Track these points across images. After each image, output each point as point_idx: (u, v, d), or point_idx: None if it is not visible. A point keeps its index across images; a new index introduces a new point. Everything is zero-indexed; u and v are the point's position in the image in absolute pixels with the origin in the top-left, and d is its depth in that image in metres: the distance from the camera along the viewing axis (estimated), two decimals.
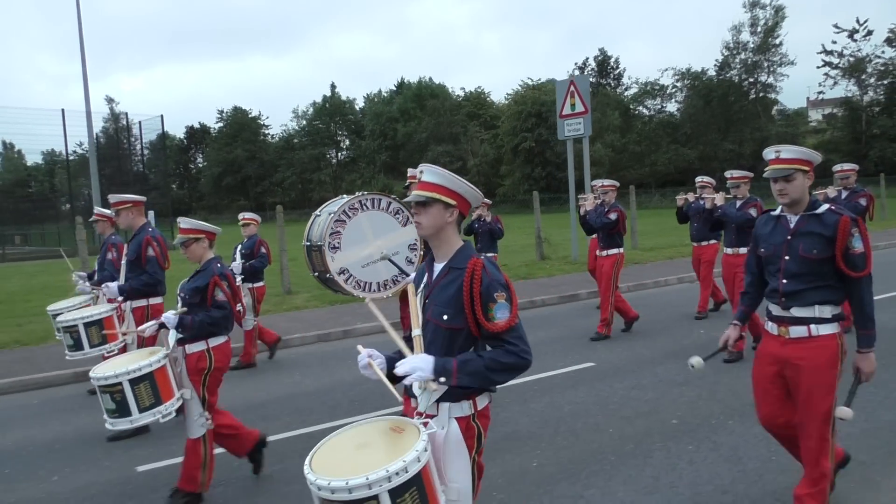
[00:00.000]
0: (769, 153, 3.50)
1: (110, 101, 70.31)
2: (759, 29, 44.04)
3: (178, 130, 77.73)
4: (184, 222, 4.55)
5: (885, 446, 4.56)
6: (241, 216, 8.50)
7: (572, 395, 6.18)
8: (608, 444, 4.97)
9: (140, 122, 43.78)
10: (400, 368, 2.37)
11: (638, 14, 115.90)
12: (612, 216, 8.34)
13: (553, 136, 48.16)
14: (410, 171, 5.39)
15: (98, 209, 6.96)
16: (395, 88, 68.13)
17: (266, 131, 71.97)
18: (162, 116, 38.84)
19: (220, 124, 71.55)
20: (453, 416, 2.49)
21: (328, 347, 9.01)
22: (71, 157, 71.65)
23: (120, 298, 5.84)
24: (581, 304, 11.16)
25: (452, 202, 2.57)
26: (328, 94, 68.98)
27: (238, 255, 8.23)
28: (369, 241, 5.42)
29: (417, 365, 2.38)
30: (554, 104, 50.13)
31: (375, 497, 2.07)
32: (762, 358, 3.58)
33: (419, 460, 2.15)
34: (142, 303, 5.93)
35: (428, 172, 2.61)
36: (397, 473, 2.09)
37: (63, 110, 36.46)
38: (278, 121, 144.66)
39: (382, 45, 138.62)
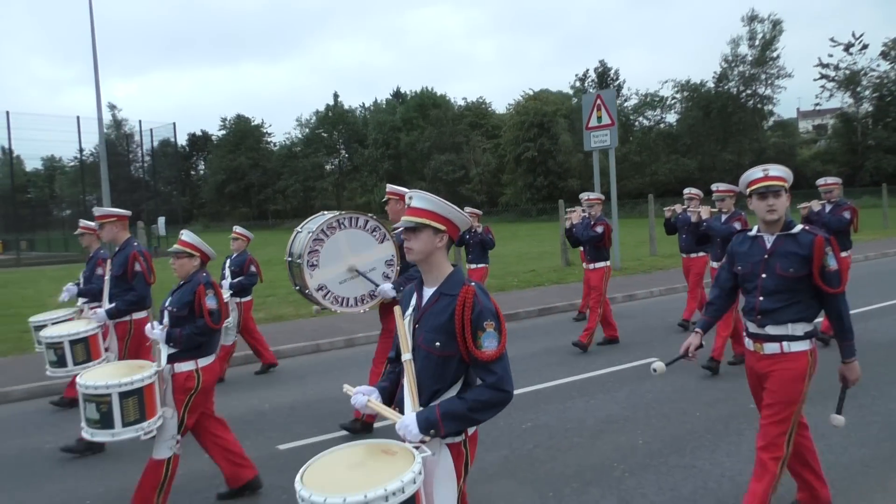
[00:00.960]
0: (756, 172, 3.68)
1: (112, 107, 70.58)
2: (756, 42, 45.02)
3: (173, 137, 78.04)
4: (185, 235, 4.55)
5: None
6: (234, 230, 8.50)
7: (649, 385, 6.79)
8: (700, 424, 5.57)
9: (151, 130, 44.03)
10: (396, 428, 2.50)
11: (632, 23, 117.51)
12: (599, 229, 8.45)
13: (555, 146, 49.16)
14: (389, 188, 5.84)
15: (83, 222, 6.84)
16: (391, 97, 69.30)
17: (269, 139, 72.47)
18: (174, 124, 39.16)
19: (223, 132, 71.99)
20: (445, 442, 2.52)
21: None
22: (72, 164, 71.98)
23: (109, 322, 5.86)
24: (626, 306, 11.78)
25: (442, 227, 2.62)
26: (331, 102, 69.86)
27: (227, 272, 8.25)
28: (347, 258, 5.56)
29: (404, 424, 2.46)
30: (555, 114, 50.93)
31: None
32: (748, 372, 3.84)
33: (415, 482, 2.17)
34: (125, 318, 5.94)
35: (417, 199, 2.66)
36: (394, 493, 2.10)
37: (78, 117, 37.08)
38: (275, 128, 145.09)
39: (378, 53, 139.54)
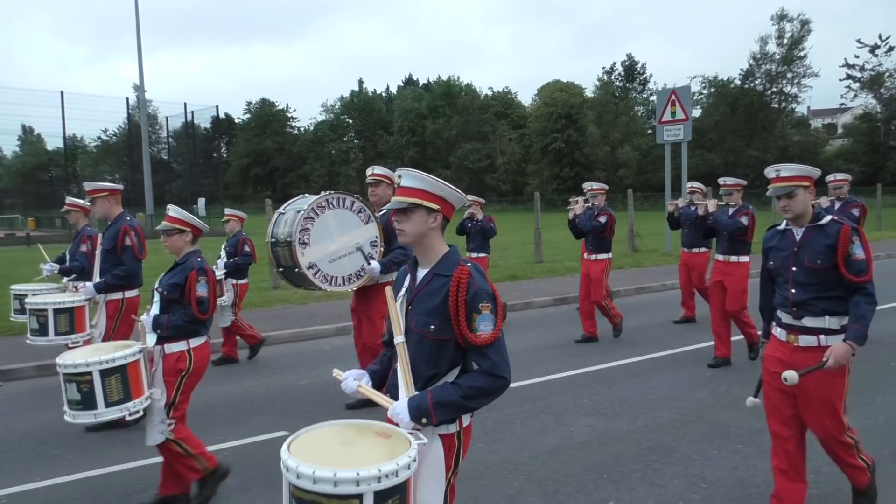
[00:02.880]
0: (769, 172, 3.72)
1: (137, 88, 71.60)
2: (784, 41, 45.94)
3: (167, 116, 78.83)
4: (173, 211, 4.41)
5: None
6: (225, 212, 8.52)
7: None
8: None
9: (193, 112, 45.26)
10: (393, 411, 2.39)
11: (650, 14, 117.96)
12: (602, 219, 8.34)
13: (582, 137, 50.17)
14: (378, 170, 5.92)
15: (70, 199, 6.77)
16: (402, 84, 72.01)
17: (293, 124, 73.68)
18: (217, 107, 40.25)
19: (247, 115, 73.10)
20: (438, 432, 2.43)
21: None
22: (95, 143, 73.06)
23: (98, 296, 5.81)
24: (662, 295, 12.37)
25: (435, 206, 2.50)
26: (356, 88, 71.29)
27: (223, 252, 8.33)
28: (335, 237, 5.63)
29: (395, 411, 2.37)
30: (582, 107, 51.86)
31: (359, 496, 1.99)
32: (769, 360, 3.76)
33: (409, 468, 2.11)
34: (117, 296, 5.83)
35: (407, 177, 2.54)
36: (387, 476, 2.03)
37: (128, 98, 38.05)
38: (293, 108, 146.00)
39: (391, 37, 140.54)
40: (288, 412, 6.19)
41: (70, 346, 5.56)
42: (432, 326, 2.44)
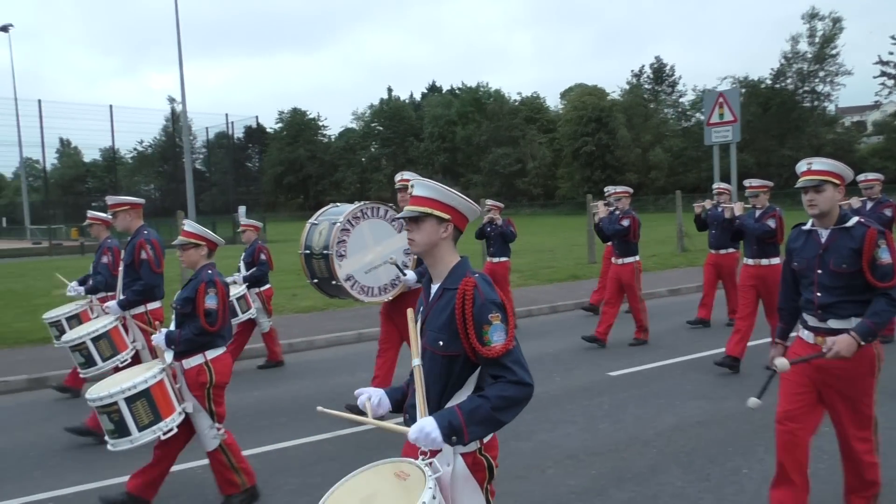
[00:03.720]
0: (801, 165, 3.66)
1: (172, 100, 73.19)
2: (816, 39, 45.94)
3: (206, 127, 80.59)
4: (188, 226, 4.49)
5: None
6: (241, 222, 8.68)
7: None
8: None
9: (233, 122, 46.12)
10: (410, 436, 2.27)
11: (671, 14, 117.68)
12: (625, 223, 8.41)
13: (613, 140, 50.47)
14: (398, 175, 5.82)
15: (91, 213, 6.91)
16: (426, 91, 73.35)
17: (324, 132, 74.94)
18: (257, 117, 41.20)
19: (279, 124, 74.35)
20: (458, 452, 2.36)
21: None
22: (131, 154, 74.70)
23: (123, 314, 5.86)
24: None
25: (446, 216, 2.46)
26: (383, 96, 72.49)
27: (241, 264, 8.42)
28: (371, 248, 5.63)
29: (425, 430, 2.24)
30: (612, 110, 52.12)
31: None
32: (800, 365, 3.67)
33: (434, 498, 2.06)
34: (140, 309, 5.89)
35: (419, 186, 2.52)
36: None
37: (174, 109, 39.07)
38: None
39: (414, 44, 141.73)
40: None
41: (120, 366, 5.63)
42: (441, 342, 2.41)
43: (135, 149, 73.52)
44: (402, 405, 2.61)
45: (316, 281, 5.93)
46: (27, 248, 35.58)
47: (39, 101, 44.03)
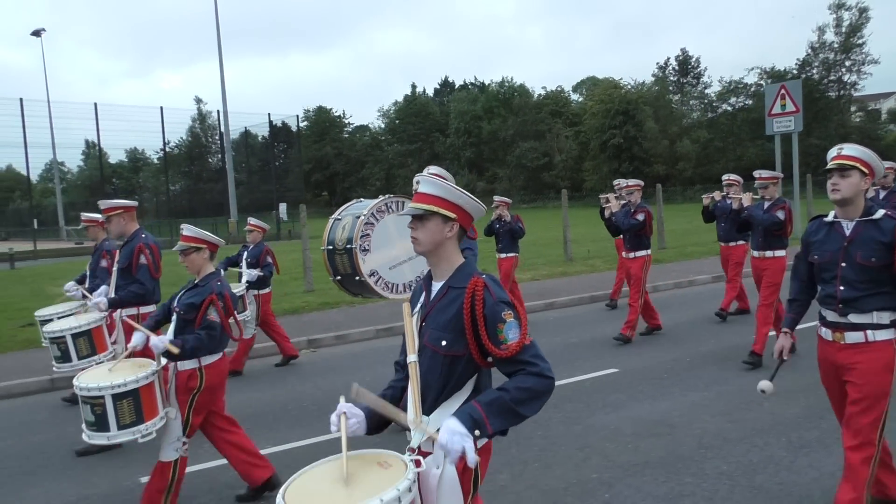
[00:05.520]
0: (832, 151, 3.61)
1: (199, 101, 74.78)
2: (843, 29, 46.67)
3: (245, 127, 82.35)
4: (187, 230, 4.44)
5: None
6: (249, 221, 8.59)
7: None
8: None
9: (282, 122, 47.53)
10: (441, 441, 2.20)
11: (685, 5, 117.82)
12: (640, 217, 8.39)
13: (640, 132, 51.43)
14: (426, 170, 5.59)
15: (85, 215, 6.90)
16: (438, 86, 76.22)
17: (349, 129, 76.47)
18: (298, 116, 42.59)
19: (305, 123, 76.03)
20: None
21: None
22: (158, 155, 76.48)
23: (108, 310, 5.78)
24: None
25: (452, 215, 2.47)
26: (409, 93, 74.00)
27: (244, 264, 8.33)
28: (395, 243, 5.45)
29: (452, 428, 2.19)
30: (638, 102, 53.08)
31: None
32: (822, 364, 3.70)
33: (399, 501, 2.00)
34: (132, 311, 5.79)
35: (425, 183, 2.53)
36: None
37: (200, 107, 40.39)
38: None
39: (426, 39, 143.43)
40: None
41: (95, 366, 5.46)
42: (444, 342, 2.40)
43: (161, 149, 75.40)
44: (380, 425, 2.53)
45: (339, 278, 5.76)
46: (68, 249, 35.94)
47: (97, 106, 43.53)
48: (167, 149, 73.91)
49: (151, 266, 5.75)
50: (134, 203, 6.04)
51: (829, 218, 3.64)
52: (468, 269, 2.50)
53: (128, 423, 4.03)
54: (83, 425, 4.14)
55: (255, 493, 4.60)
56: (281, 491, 2.10)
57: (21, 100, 37.27)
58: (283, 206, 42.63)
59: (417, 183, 2.59)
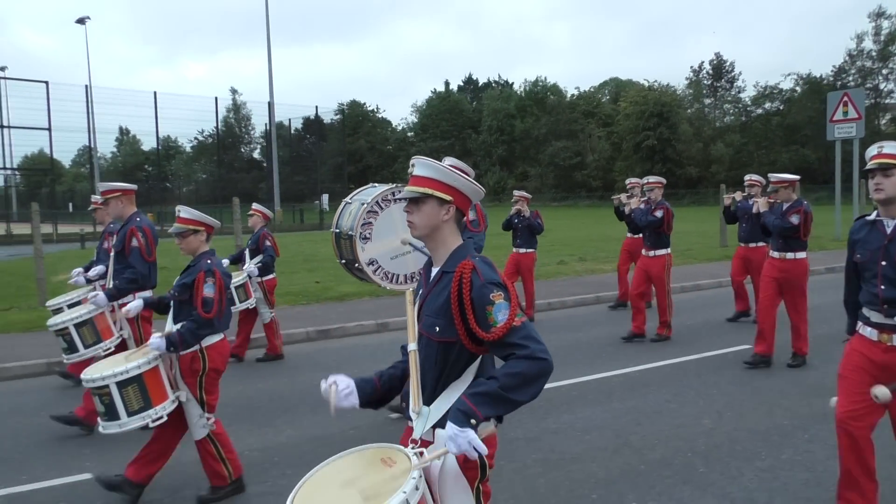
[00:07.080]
0: (872, 149, 3.55)
1: (234, 91, 76.36)
2: (882, 38, 47.35)
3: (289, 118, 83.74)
4: (184, 211, 4.45)
5: None
6: (252, 206, 8.53)
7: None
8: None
9: (317, 109, 48.92)
10: (451, 450, 2.19)
11: (714, 8, 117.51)
12: (658, 213, 8.34)
13: (674, 134, 52.33)
14: (451, 161, 5.38)
15: (95, 197, 6.89)
16: (462, 84, 77.58)
17: (383, 125, 78.02)
18: (342, 109, 43.60)
19: (338, 116, 77.41)
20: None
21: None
22: (191, 143, 78.14)
23: (107, 305, 5.76)
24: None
25: (448, 198, 2.42)
26: (441, 89, 75.35)
27: (247, 253, 8.34)
28: (399, 232, 5.28)
29: (453, 435, 2.17)
30: (672, 105, 53.93)
31: None
32: (856, 358, 3.60)
33: (417, 488, 2.05)
34: (129, 299, 5.66)
35: (420, 165, 2.49)
36: None
37: (234, 97, 41.58)
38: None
39: (452, 36, 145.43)
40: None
41: (104, 354, 5.61)
42: (437, 328, 2.38)
43: (195, 138, 77.06)
44: (372, 400, 2.56)
45: (344, 262, 5.70)
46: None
47: (157, 94, 43.14)
48: (200, 137, 76.33)
49: (143, 249, 5.72)
50: (132, 186, 5.98)
51: (872, 217, 3.64)
52: (462, 253, 2.45)
53: (136, 409, 4.15)
54: (98, 417, 4.32)
55: (219, 491, 4.53)
56: (290, 499, 2.12)
57: (47, 83, 35.59)
58: (325, 197, 44.02)
59: (413, 166, 2.55)
